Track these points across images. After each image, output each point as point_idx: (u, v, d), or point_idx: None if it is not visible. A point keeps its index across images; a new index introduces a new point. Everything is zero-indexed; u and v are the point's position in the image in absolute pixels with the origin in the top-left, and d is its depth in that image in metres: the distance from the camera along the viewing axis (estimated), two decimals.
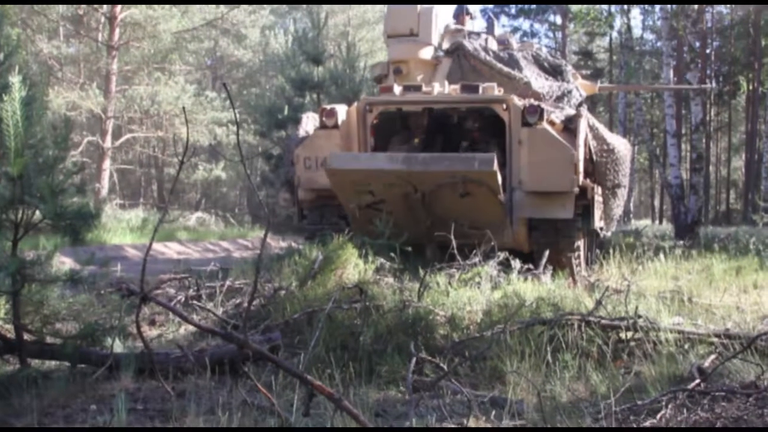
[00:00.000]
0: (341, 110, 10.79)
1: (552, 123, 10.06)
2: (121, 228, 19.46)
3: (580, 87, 12.94)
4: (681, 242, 16.94)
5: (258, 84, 39.38)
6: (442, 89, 10.97)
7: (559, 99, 11.78)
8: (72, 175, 4.92)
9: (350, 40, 22.64)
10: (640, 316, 5.95)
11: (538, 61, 12.77)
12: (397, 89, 10.85)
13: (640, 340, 5.80)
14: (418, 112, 11.04)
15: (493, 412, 4.31)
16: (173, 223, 24.45)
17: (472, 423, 4.01)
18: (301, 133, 10.98)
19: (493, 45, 12.83)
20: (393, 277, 7.72)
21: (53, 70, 27.39)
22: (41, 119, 4.73)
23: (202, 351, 5.38)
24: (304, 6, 21.13)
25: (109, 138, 26.47)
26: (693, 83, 21.20)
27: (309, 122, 11.19)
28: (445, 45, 12.50)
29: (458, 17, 13.09)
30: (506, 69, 11.94)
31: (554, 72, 12.73)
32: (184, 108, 24.66)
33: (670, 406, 3.99)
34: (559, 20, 43.33)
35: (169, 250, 17.45)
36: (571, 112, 10.71)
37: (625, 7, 29.03)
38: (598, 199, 10.98)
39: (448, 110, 11.09)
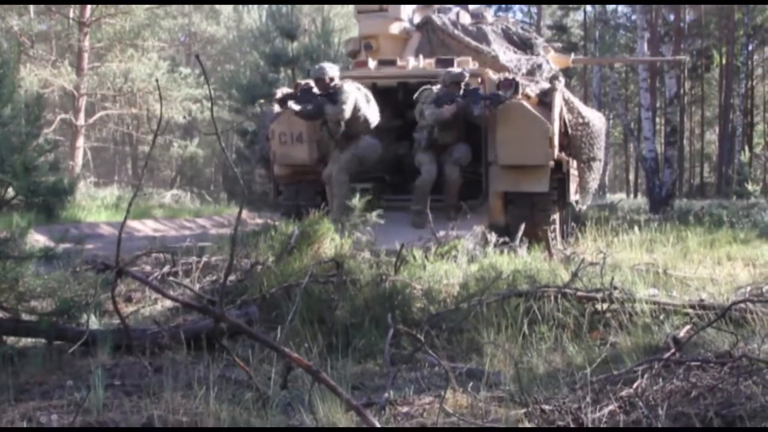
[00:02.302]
0: None
1: (527, 97, 10.06)
2: (96, 206, 19.35)
3: (552, 60, 12.93)
4: (656, 215, 17.04)
5: (232, 60, 39.13)
6: (417, 63, 10.96)
7: (530, 73, 11.75)
8: (45, 153, 4.90)
9: (325, 14, 22.52)
10: (615, 288, 5.99)
11: (507, 35, 12.73)
12: (372, 64, 10.84)
13: (616, 312, 5.84)
14: (393, 87, 11.02)
15: (471, 384, 4.33)
16: (148, 199, 24.32)
17: (449, 395, 4.02)
18: (276, 108, 10.93)
19: (466, 19, 12.80)
20: (369, 251, 7.71)
21: (24, 47, 27.05)
22: (12, 96, 4.70)
23: (178, 326, 5.37)
24: None
25: (82, 116, 26.24)
26: (667, 56, 21.26)
27: None
28: (416, 19, 12.49)
29: None
30: (474, 43, 11.93)
31: (524, 46, 12.71)
32: (157, 81, 24.49)
33: (645, 375, 4.01)
34: None
35: (145, 227, 17.37)
36: (546, 85, 10.71)
37: None
38: (574, 172, 11.02)
39: (423, 84, 11.06)
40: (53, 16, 27.95)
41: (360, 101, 9.94)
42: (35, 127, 4.77)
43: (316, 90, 10.07)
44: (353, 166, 10.03)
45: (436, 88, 9.97)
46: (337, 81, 9.99)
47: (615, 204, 22.52)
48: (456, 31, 12.15)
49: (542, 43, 13.06)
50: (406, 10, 12.34)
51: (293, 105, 9.83)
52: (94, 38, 27.39)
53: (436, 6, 12.93)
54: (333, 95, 9.85)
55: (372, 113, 10.14)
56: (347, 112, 9.82)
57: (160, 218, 19.59)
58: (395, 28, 12.13)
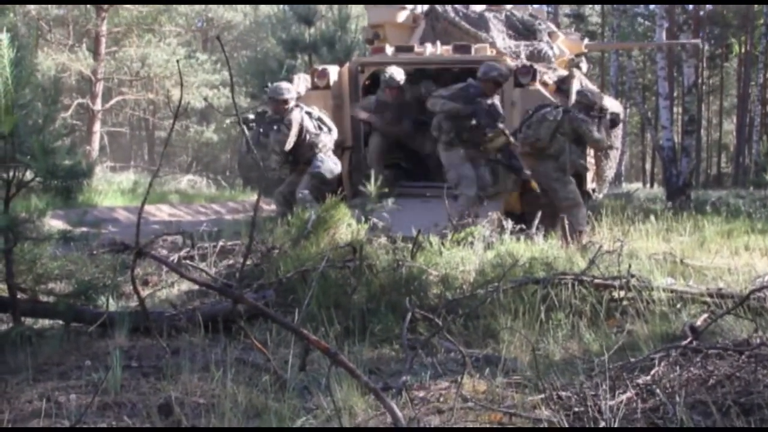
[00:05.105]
0: (333, 71, 10.77)
1: (545, 84, 10.04)
2: (113, 191, 19.41)
3: (561, 45, 12.85)
4: (672, 205, 16.96)
5: (249, 46, 39.13)
6: (434, 50, 10.93)
7: (529, 58, 11.66)
8: (62, 137, 4.90)
9: None
10: (632, 276, 5.97)
11: (510, 22, 12.66)
12: (389, 50, 10.82)
13: (633, 300, 5.82)
14: (410, 73, 11.00)
15: (487, 370, 4.33)
16: (164, 185, 24.35)
17: (466, 380, 4.02)
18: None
19: (478, 7, 12.77)
20: (386, 237, 7.70)
21: (42, 32, 27.12)
22: (29, 79, 4.70)
23: (195, 309, 5.39)
24: None
25: (99, 100, 26.29)
26: (686, 46, 21.08)
27: (301, 83, 11.13)
28: (425, 8, 12.57)
29: None
30: (473, 30, 11.91)
31: (527, 32, 12.62)
32: (178, 61, 24.49)
33: (662, 363, 4.00)
34: None
35: (161, 212, 17.41)
36: (564, 73, 10.67)
37: None
38: (591, 160, 10.98)
39: (440, 71, 11.04)
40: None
41: (309, 127, 9.89)
42: (53, 110, 4.77)
43: (267, 118, 10.11)
44: (313, 185, 9.91)
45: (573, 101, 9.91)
46: (291, 104, 9.88)
47: (631, 193, 22.43)
48: (457, 18, 12.16)
49: (547, 29, 12.93)
50: None
51: (246, 131, 9.77)
52: (111, 23, 27.41)
53: None
54: (278, 122, 9.87)
55: (326, 138, 10.00)
56: (289, 143, 9.79)
57: (175, 203, 19.64)
58: (401, 17, 12.20)
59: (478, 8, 12.70)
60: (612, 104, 11.23)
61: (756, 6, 35.39)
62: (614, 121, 10.16)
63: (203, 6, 35.65)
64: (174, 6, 30.79)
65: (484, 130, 9.29)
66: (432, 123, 9.69)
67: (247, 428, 3.66)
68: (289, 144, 9.74)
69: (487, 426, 3.57)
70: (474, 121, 9.30)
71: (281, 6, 21.65)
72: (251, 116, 10.32)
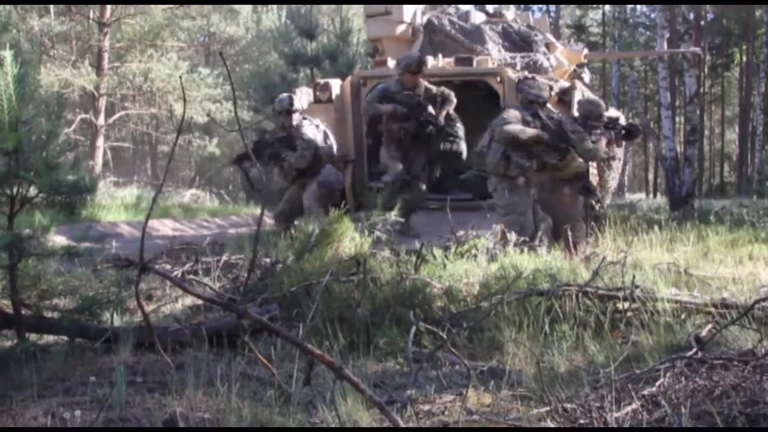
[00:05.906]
0: (335, 84, 10.79)
1: None
2: (116, 205, 19.44)
3: (559, 56, 12.85)
4: (676, 215, 16.95)
5: (251, 60, 39.22)
6: (436, 62, 10.96)
7: (525, 70, 11.66)
8: (66, 152, 4.92)
9: (343, 14, 22.56)
10: (637, 287, 5.96)
11: (506, 33, 12.68)
12: (391, 63, 10.83)
13: (638, 310, 5.81)
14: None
15: (492, 382, 4.33)
16: (167, 199, 24.38)
17: (471, 393, 4.02)
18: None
19: (478, 18, 12.80)
20: (389, 250, 7.70)
21: (45, 48, 27.22)
22: (33, 95, 4.72)
23: (200, 324, 5.39)
24: None
25: (102, 116, 26.35)
26: (687, 55, 21.10)
27: (303, 97, 11.16)
28: (424, 20, 12.61)
29: None
30: (469, 42, 11.94)
31: (524, 43, 12.64)
32: (180, 77, 24.59)
33: (668, 374, 3.99)
34: None
35: (164, 226, 17.41)
36: (566, 84, 10.68)
37: None
38: (593, 171, 10.97)
39: (442, 84, 11.05)
40: (74, 16, 28.03)
41: (318, 140, 9.95)
42: (56, 126, 4.80)
43: (268, 137, 10.18)
44: (321, 195, 9.89)
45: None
46: (298, 116, 9.98)
47: (634, 203, 22.41)
48: (453, 31, 12.20)
49: (544, 40, 12.93)
50: (410, 12, 12.47)
51: (247, 165, 9.77)
52: (114, 38, 27.51)
53: (445, 6, 13.01)
54: (292, 140, 9.87)
55: (330, 150, 10.10)
56: (308, 160, 9.84)
57: (179, 218, 19.64)
58: (399, 30, 12.26)
59: (477, 20, 12.74)
60: (613, 115, 11.22)
61: (757, 13, 35.45)
62: (631, 132, 10.09)
63: (205, 20, 35.74)
64: (176, 20, 30.88)
65: (557, 156, 8.96)
66: (488, 159, 8.93)
67: (246, 428, 3.66)
68: (307, 159, 9.78)
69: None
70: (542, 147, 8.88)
71: (283, 20, 21.69)
72: (252, 145, 10.30)
